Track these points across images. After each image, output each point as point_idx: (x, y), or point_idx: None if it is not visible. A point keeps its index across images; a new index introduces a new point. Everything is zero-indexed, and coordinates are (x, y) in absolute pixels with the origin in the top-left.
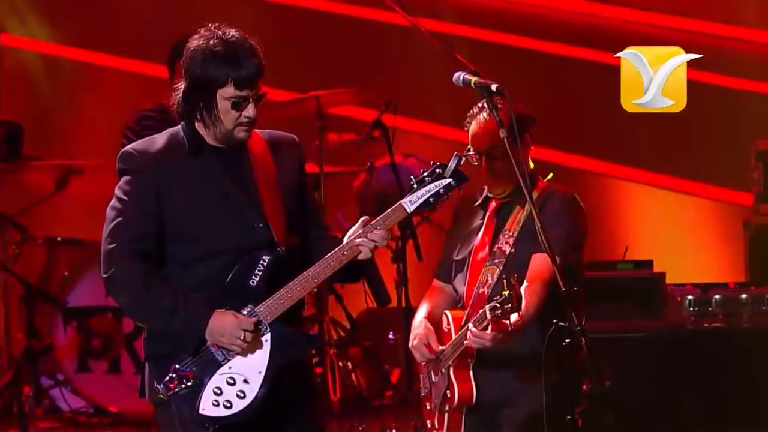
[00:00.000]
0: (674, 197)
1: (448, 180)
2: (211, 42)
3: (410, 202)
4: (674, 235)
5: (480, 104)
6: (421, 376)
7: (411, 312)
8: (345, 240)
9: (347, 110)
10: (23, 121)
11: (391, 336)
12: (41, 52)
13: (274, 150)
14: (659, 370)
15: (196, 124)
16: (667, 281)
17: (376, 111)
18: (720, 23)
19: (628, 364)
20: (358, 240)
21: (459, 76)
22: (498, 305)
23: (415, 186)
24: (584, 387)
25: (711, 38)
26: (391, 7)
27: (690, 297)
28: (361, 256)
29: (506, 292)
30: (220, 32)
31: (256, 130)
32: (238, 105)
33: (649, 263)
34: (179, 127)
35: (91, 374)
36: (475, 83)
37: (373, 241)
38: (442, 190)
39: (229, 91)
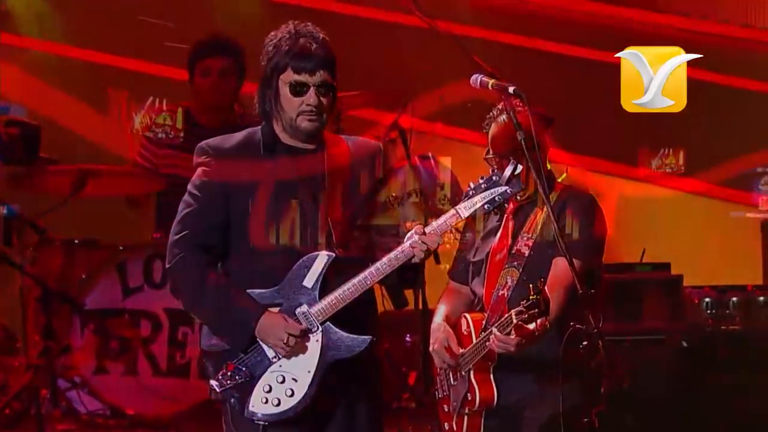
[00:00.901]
0: (692, 199)
1: (504, 188)
2: (281, 34)
3: (465, 208)
4: (692, 237)
5: (498, 107)
6: (437, 378)
7: (428, 315)
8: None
9: (365, 113)
10: (40, 123)
11: (408, 339)
12: (58, 54)
13: (355, 155)
14: (677, 372)
15: (274, 123)
16: (685, 283)
17: (394, 113)
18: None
19: (646, 366)
20: (411, 243)
21: (476, 78)
22: (524, 310)
23: (471, 192)
24: (602, 389)
25: (729, 40)
26: (408, 10)
27: (708, 299)
28: (414, 260)
29: (533, 297)
30: (292, 26)
31: (342, 136)
32: (297, 91)
33: (666, 265)
34: (260, 126)
35: (108, 376)
36: (492, 85)
37: (426, 244)
38: (497, 198)
39: (288, 76)
